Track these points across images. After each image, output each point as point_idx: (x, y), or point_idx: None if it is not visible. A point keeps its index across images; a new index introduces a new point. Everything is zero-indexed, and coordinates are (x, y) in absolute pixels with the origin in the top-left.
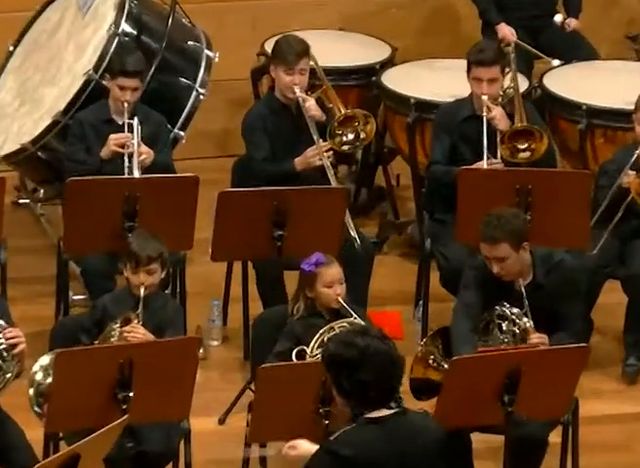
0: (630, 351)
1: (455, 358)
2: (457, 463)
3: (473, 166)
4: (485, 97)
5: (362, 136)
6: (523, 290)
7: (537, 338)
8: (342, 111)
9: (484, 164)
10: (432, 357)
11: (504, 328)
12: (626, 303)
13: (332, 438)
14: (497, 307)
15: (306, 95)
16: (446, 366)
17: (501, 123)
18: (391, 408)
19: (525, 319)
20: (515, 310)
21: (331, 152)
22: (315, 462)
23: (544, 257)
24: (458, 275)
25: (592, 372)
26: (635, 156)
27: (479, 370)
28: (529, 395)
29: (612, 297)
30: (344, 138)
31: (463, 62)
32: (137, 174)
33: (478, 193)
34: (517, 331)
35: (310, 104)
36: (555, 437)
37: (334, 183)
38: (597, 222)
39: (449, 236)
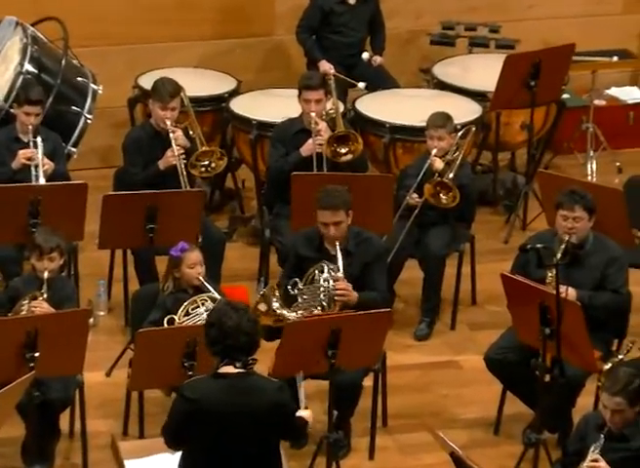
0: (425, 315)
1: (289, 322)
2: (283, 423)
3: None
4: (313, 114)
5: (213, 165)
6: (339, 250)
7: (342, 284)
8: (204, 148)
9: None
10: (266, 307)
11: (324, 276)
12: (423, 278)
13: (185, 382)
14: (320, 264)
15: (175, 126)
16: (280, 312)
17: (326, 134)
18: (238, 367)
19: (339, 272)
20: (332, 265)
21: (183, 156)
22: (173, 400)
23: (356, 233)
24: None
25: (397, 331)
26: (428, 163)
27: (309, 330)
28: (347, 349)
29: (412, 273)
30: (201, 164)
31: (294, 91)
32: (42, 181)
33: (309, 193)
34: (330, 280)
35: (178, 135)
36: (368, 382)
37: (184, 182)
38: (400, 216)
39: (285, 226)
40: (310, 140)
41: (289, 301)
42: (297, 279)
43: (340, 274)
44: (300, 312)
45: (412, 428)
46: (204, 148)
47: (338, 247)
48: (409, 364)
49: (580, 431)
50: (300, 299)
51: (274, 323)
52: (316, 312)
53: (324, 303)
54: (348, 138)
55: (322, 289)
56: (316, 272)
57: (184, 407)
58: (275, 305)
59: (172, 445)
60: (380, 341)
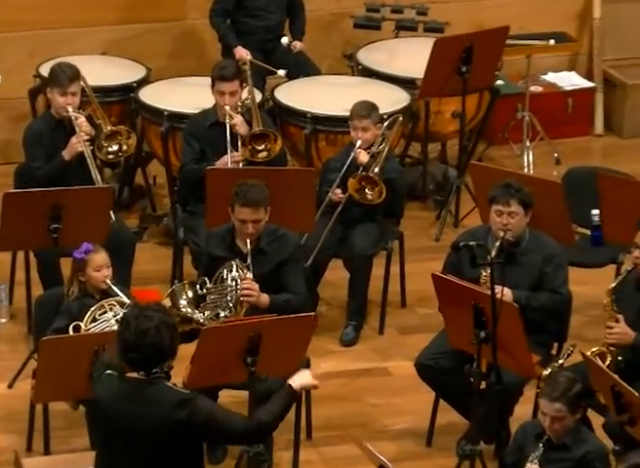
0: (350, 318)
1: (204, 328)
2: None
3: (219, 161)
4: (227, 107)
5: (124, 148)
6: (249, 249)
7: (247, 283)
8: (109, 127)
9: (228, 159)
10: (171, 305)
11: (232, 275)
12: (348, 279)
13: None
14: (229, 262)
15: (78, 113)
16: (185, 311)
17: (242, 128)
18: (141, 375)
19: (248, 272)
20: (242, 265)
21: (88, 142)
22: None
23: (271, 230)
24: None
25: (321, 336)
26: (352, 156)
27: (227, 336)
28: (268, 356)
29: (337, 273)
30: (110, 149)
31: (208, 79)
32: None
33: (224, 188)
34: (239, 280)
35: (81, 121)
36: None
37: (94, 173)
38: (323, 213)
39: (199, 225)
40: None
41: (200, 302)
42: (206, 278)
43: (250, 274)
44: (206, 313)
45: (338, 440)
46: (109, 128)
47: (249, 245)
48: (334, 371)
49: (519, 441)
50: (207, 299)
51: (180, 324)
52: (223, 314)
53: (230, 304)
54: (266, 137)
55: (230, 289)
56: (225, 271)
57: (91, 408)
58: (182, 304)
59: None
60: (302, 347)
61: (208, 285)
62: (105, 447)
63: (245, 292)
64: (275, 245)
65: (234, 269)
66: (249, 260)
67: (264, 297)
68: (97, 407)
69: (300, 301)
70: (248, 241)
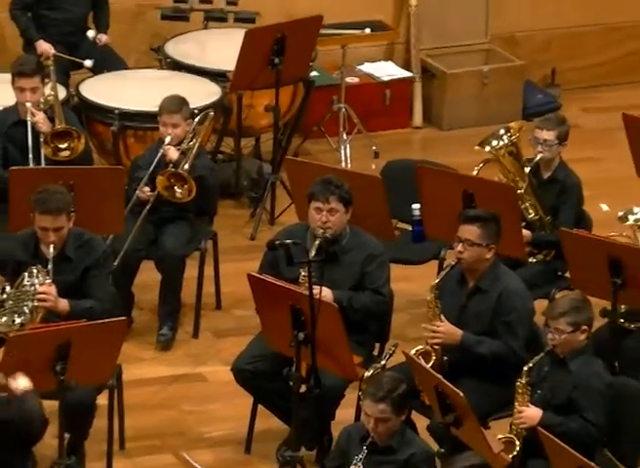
0: (164, 321)
1: (11, 336)
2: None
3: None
4: (29, 104)
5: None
6: (51, 254)
7: (44, 288)
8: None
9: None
10: None
11: (32, 281)
12: (160, 280)
13: None
14: (30, 268)
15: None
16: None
17: (44, 126)
18: None
19: (47, 277)
20: (41, 269)
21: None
22: None
23: (77, 235)
24: None
25: (133, 341)
26: (161, 153)
27: (33, 344)
28: (78, 363)
29: (149, 275)
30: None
31: (9, 76)
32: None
33: (28, 190)
34: (37, 283)
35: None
36: (103, 399)
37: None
38: (132, 212)
39: (3, 227)
40: None
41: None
42: (7, 283)
43: (49, 279)
44: (3, 319)
45: (153, 450)
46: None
47: (51, 250)
48: (147, 378)
49: (342, 445)
50: (5, 305)
51: None
52: (18, 320)
53: (26, 309)
54: (69, 134)
55: (28, 294)
56: (25, 276)
57: None
58: None
59: None
60: (114, 353)
61: (7, 290)
62: None
63: (41, 296)
64: (81, 251)
65: (34, 274)
66: (49, 266)
67: (63, 303)
68: None
69: (105, 308)
70: (51, 247)
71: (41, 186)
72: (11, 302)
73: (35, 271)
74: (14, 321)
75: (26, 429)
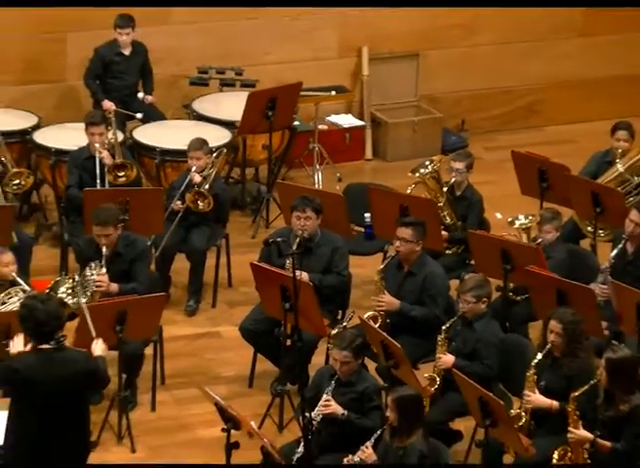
0: (191, 296)
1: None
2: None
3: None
4: (97, 145)
5: (23, 183)
6: (104, 252)
7: (100, 277)
8: (15, 169)
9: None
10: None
11: (92, 271)
12: (189, 267)
13: (10, 355)
14: (90, 262)
15: None
16: (59, 296)
17: (108, 160)
18: (52, 344)
19: (103, 269)
20: (98, 263)
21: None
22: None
23: (125, 237)
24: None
25: (170, 310)
26: (189, 178)
27: (101, 312)
28: (132, 325)
29: (181, 264)
30: (14, 183)
31: (83, 125)
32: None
33: (97, 205)
34: (95, 274)
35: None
36: (149, 350)
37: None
38: (169, 219)
39: (80, 231)
40: None
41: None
42: (76, 275)
43: (104, 270)
44: (76, 299)
45: (184, 385)
46: (15, 170)
47: (104, 249)
48: (180, 335)
49: (316, 381)
50: (75, 290)
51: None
52: (83, 300)
53: (88, 293)
54: (125, 166)
55: (89, 282)
56: (87, 269)
57: (6, 373)
58: (61, 290)
59: None
60: (157, 318)
61: (76, 278)
62: (27, 408)
63: (97, 283)
64: (128, 248)
65: (93, 267)
66: (103, 260)
67: (114, 286)
68: (15, 377)
69: (144, 288)
70: (104, 248)
71: (100, 205)
72: (78, 288)
73: (93, 265)
74: (79, 301)
75: (99, 379)
